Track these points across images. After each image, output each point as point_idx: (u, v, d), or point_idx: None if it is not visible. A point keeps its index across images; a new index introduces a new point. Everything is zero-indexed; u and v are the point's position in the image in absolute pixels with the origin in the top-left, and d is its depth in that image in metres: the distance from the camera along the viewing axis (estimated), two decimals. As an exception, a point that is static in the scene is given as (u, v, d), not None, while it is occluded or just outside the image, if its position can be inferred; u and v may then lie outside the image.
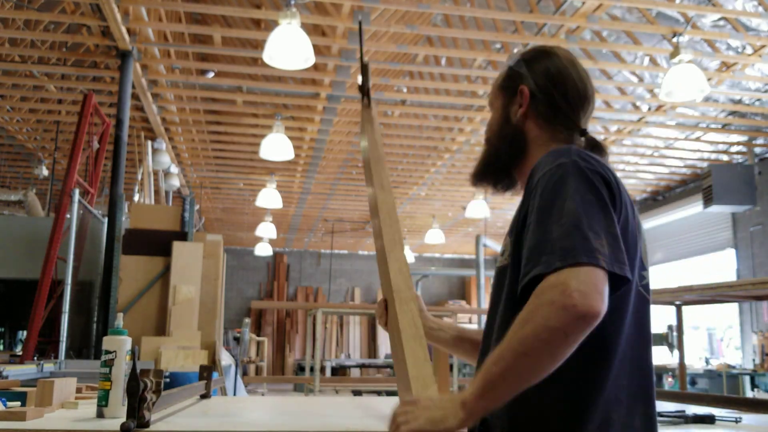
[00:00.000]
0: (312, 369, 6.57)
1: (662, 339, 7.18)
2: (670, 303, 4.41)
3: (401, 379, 1.19)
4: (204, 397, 2.05)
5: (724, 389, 7.29)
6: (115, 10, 5.18)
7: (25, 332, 6.17)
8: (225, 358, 6.44)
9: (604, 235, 1.03)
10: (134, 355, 1.57)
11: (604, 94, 7.19)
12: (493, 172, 1.41)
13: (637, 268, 1.17)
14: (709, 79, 6.28)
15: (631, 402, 1.13)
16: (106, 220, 5.68)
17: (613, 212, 1.09)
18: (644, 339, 1.19)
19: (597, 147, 1.31)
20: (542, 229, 1.07)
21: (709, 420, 2.01)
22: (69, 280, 4.96)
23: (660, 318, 10.09)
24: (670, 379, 8.11)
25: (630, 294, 1.14)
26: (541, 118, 1.33)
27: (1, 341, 7.84)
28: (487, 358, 1.02)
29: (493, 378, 0.99)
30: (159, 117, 7.52)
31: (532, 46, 1.41)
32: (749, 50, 6.09)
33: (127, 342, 1.66)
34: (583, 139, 1.33)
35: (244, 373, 10.19)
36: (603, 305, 0.97)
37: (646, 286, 1.21)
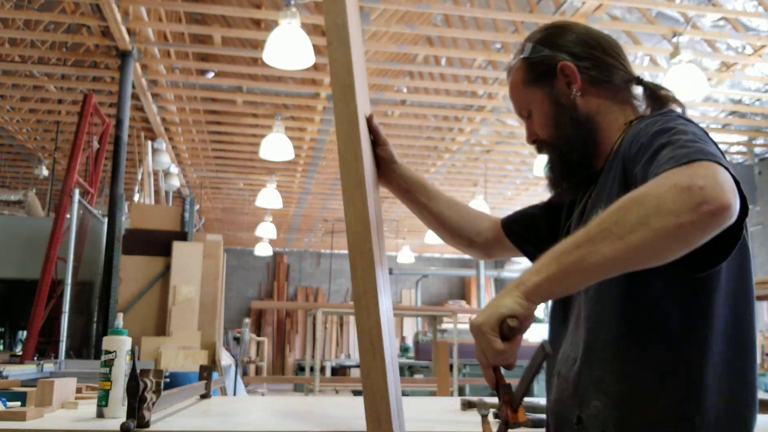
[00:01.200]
0: (312, 369, 6.57)
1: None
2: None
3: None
4: (204, 397, 2.05)
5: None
6: (115, 10, 5.18)
7: (25, 332, 6.17)
8: (225, 358, 6.44)
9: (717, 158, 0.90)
10: (134, 355, 1.57)
11: (604, 94, 7.19)
12: (579, 166, 1.21)
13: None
14: (709, 79, 6.28)
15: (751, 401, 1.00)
16: (106, 220, 5.68)
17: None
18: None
19: (656, 95, 1.22)
20: (667, 142, 0.94)
21: None
22: (69, 280, 4.96)
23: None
24: (670, 379, 8.12)
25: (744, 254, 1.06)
26: (595, 84, 1.21)
27: (1, 341, 7.84)
28: (565, 241, 0.90)
29: (565, 266, 0.88)
30: (159, 117, 7.52)
31: (538, 29, 1.30)
32: (749, 50, 6.09)
33: (127, 342, 1.66)
34: (641, 87, 1.25)
35: (244, 373, 10.19)
36: (737, 202, 0.83)
37: None
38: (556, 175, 1.25)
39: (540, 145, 1.27)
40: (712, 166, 0.84)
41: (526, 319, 0.91)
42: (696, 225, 0.81)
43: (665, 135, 0.95)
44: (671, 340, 0.97)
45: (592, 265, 0.86)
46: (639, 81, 1.24)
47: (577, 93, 1.20)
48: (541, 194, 10.76)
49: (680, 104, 1.19)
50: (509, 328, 0.91)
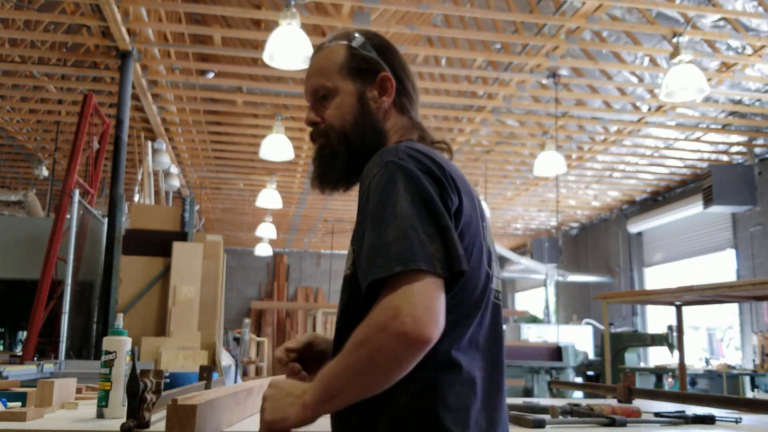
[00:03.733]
0: (312, 369, 6.57)
1: (662, 339, 7.18)
2: (670, 303, 4.41)
3: None
4: (204, 397, 2.05)
5: (724, 390, 7.28)
6: (115, 10, 5.18)
7: (25, 333, 6.17)
8: (225, 359, 6.44)
9: (438, 235, 1.02)
10: (134, 355, 1.57)
11: (604, 94, 7.19)
12: (353, 167, 1.25)
13: (485, 258, 1.14)
14: (709, 80, 6.28)
15: (485, 397, 1.11)
16: (106, 220, 5.67)
17: (443, 209, 1.05)
18: (496, 335, 1.17)
19: (424, 138, 1.27)
20: (377, 232, 1.03)
21: (709, 420, 2.01)
22: (69, 280, 4.95)
23: (660, 318, 10.11)
24: (670, 380, 8.11)
25: (476, 292, 1.11)
26: (398, 108, 1.29)
27: (1, 341, 7.84)
28: (326, 367, 1.04)
29: (332, 390, 1.02)
30: (159, 117, 7.52)
31: (366, 30, 1.32)
32: (749, 50, 6.09)
33: (127, 342, 1.66)
34: (420, 132, 1.30)
35: (244, 374, 10.18)
36: (436, 329, 0.97)
37: (490, 280, 1.16)
38: (329, 168, 1.29)
39: (321, 131, 1.28)
40: (411, 290, 0.97)
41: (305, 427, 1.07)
42: (408, 360, 0.98)
43: (380, 216, 1.04)
44: None
45: (350, 395, 1.02)
46: (421, 127, 1.31)
47: (384, 106, 1.26)
48: (541, 194, 10.76)
49: (450, 153, 1.30)
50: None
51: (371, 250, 1.03)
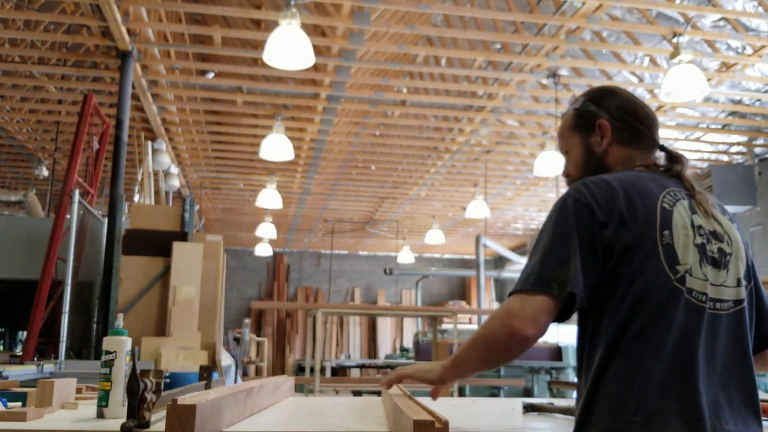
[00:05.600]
0: (312, 369, 6.57)
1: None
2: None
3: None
4: (204, 397, 2.04)
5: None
6: (115, 10, 5.18)
7: (25, 332, 6.17)
8: (225, 359, 6.44)
9: (564, 264, 1.27)
10: (134, 355, 1.57)
11: (604, 94, 7.18)
12: None
13: (666, 265, 1.29)
14: (709, 80, 6.28)
15: (665, 391, 1.23)
16: (106, 220, 5.67)
17: (579, 241, 1.28)
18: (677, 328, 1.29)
19: (673, 158, 1.49)
20: (528, 259, 1.35)
21: None
22: (69, 280, 4.96)
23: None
24: (670, 380, 8.11)
25: (613, 294, 1.30)
26: (622, 143, 1.49)
27: (1, 341, 7.84)
28: (459, 349, 1.40)
29: (459, 359, 1.39)
30: (159, 117, 7.52)
31: (592, 88, 1.59)
32: (749, 50, 6.09)
33: (127, 342, 1.66)
34: (663, 153, 1.51)
35: (244, 374, 10.19)
36: (536, 332, 1.25)
37: (682, 279, 1.29)
38: None
39: (571, 180, 1.57)
40: (526, 301, 1.27)
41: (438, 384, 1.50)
42: (510, 348, 1.29)
43: (535, 245, 1.37)
44: None
45: (473, 362, 1.37)
46: (661, 147, 1.52)
47: (606, 147, 1.49)
48: (541, 194, 10.76)
49: (683, 164, 1.48)
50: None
51: (521, 273, 1.34)
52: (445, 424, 1.11)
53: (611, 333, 1.26)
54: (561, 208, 1.33)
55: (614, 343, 1.26)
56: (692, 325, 1.25)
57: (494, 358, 1.32)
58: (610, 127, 1.49)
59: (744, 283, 1.35)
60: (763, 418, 2.01)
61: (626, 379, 1.23)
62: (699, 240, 1.33)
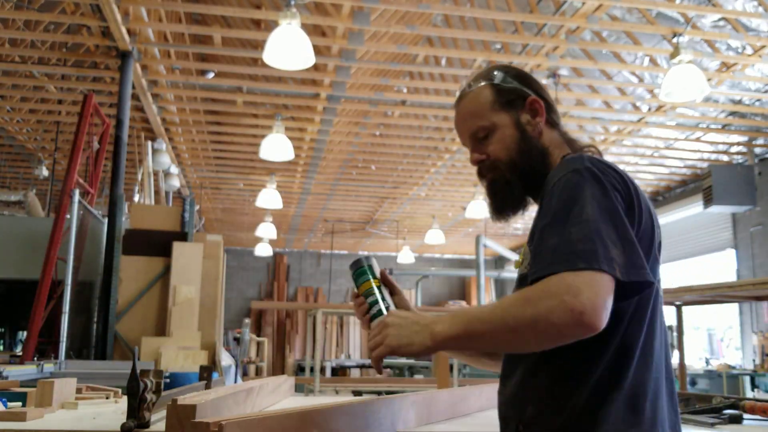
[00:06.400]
0: (312, 369, 6.57)
1: (662, 339, 7.17)
2: (670, 303, 4.41)
3: None
4: (204, 397, 2.04)
5: (724, 390, 7.29)
6: (115, 10, 5.18)
7: (25, 332, 6.17)
8: (225, 359, 6.44)
9: (621, 243, 1.07)
10: (134, 355, 1.57)
11: (604, 94, 7.19)
12: (526, 193, 1.35)
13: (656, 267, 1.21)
14: (709, 80, 6.28)
15: (653, 395, 1.16)
16: (106, 220, 5.67)
17: (626, 218, 1.12)
18: (662, 334, 1.24)
19: (574, 149, 1.37)
20: (561, 231, 1.09)
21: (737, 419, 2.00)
22: (69, 280, 4.96)
23: (660, 318, 10.08)
24: (670, 380, 8.11)
25: (651, 296, 1.18)
26: (550, 124, 1.37)
27: (1, 341, 7.84)
28: (472, 308, 1.12)
29: (473, 333, 1.08)
30: (159, 117, 7.52)
31: (496, 65, 1.44)
32: (749, 50, 6.09)
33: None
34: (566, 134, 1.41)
35: (244, 374, 10.19)
36: (605, 321, 1.02)
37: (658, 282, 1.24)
38: (506, 199, 1.36)
39: (490, 166, 1.36)
40: (594, 281, 1.03)
41: (424, 356, 1.17)
42: (568, 337, 1.03)
43: (565, 217, 1.11)
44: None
45: (488, 343, 1.11)
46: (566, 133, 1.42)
47: (539, 126, 1.34)
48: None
49: (596, 149, 1.35)
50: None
51: (555, 247, 1.08)
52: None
53: (642, 343, 1.16)
54: (595, 180, 1.14)
55: (645, 354, 1.16)
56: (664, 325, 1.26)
57: (530, 344, 1.08)
58: (543, 105, 1.36)
59: None
60: (762, 418, 2.00)
61: (658, 401, 1.15)
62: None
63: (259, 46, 6.12)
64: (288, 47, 4.68)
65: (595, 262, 1.03)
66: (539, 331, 1.02)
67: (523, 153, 1.32)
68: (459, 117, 1.42)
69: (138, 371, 1.37)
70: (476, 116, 1.37)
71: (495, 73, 1.38)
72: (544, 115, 1.35)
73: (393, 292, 1.41)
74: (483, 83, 1.38)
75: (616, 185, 1.15)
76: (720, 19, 5.97)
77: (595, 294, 1.01)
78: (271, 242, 13.84)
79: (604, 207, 1.10)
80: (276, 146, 7.01)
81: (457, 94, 1.46)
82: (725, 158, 8.90)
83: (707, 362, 8.90)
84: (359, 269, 1.38)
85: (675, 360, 6.56)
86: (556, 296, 1.01)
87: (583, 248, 1.04)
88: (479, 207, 9.34)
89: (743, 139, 8.20)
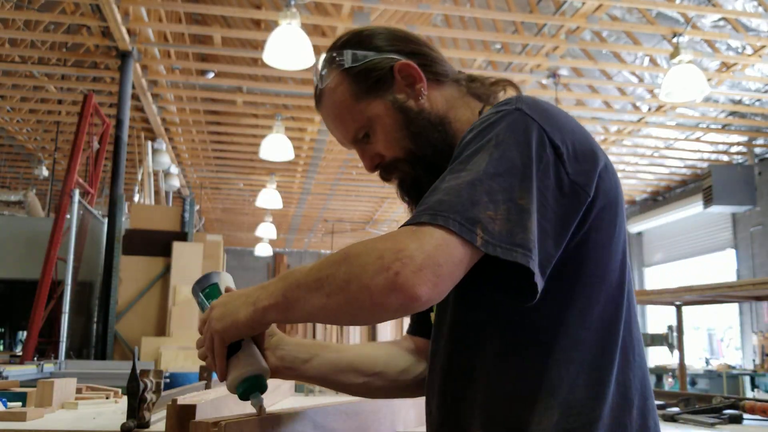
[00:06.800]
0: (312, 369, 6.57)
1: (662, 339, 7.18)
2: (670, 303, 4.41)
3: None
4: (204, 397, 2.05)
5: (724, 390, 7.29)
6: (115, 10, 5.18)
7: (25, 332, 6.17)
8: (225, 359, 6.44)
9: (506, 206, 0.80)
10: (134, 355, 1.57)
11: (604, 94, 7.19)
12: (439, 172, 0.92)
13: (623, 246, 0.95)
14: (709, 80, 6.28)
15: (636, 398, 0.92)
16: (106, 220, 5.68)
17: (544, 180, 0.84)
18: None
19: (488, 83, 1.09)
20: (441, 178, 0.86)
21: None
22: (69, 280, 4.96)
23: (660, 318, 10.10)
24: (670, 380, 8.12)
25: (622, 297, 0.93)
26: (437, 81, 1.06)
27: (1, 341, 7.84)
28: (296, 270, 0.89)
29: (290, 298, 0.86)
30: (159, 117, 7.52)
31: (336, 39, 1.10)
32: (749, 50, 6.09)
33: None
34: (472, 81, 1.09)
35: (244, 374, 10.18)
36: (431, 293, 0.77)
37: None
38: (423, 191, 0.93)
39: (389, 167, 1.07)
40: (430, 238, 0.78)
41: (252, 333, 0.95)
42: (384, 307, 0.78)
43: (455, 162, 0.87)
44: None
45: (303, 311, 0.86)
46: (468, 76, 1.10)
47: (424, 93, 1.04)
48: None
49: (516, 88, 1.07)
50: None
51: (421, 201, 0.84)
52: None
53: (603, 329, 0.90)
54: (514, 120, 0.87)
55: (611, 340, 0.90)
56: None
57: (344, 313, 0.82)
58: (416, 65, 1.03)
59: None
60: (762, 418, 2.01)
61: (631, 384, 0.91)
62: None
63: (259, 46, 6.12)
64: (288, 47, 4.68)
65: (442, 218, 0.78)
66: (351, 296, 0.79)
67: (417, 136, 1.03)
68: (327, 122, 1.11)
69: (138, 371, 1.37)
70: (344, 118, 1.06)
71: (343, 53, 1.05)
72: (422, 77, 1.03)
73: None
74: (334, 73, 1.05)
75: (547, 135, 0.86)
76: (720, 19, 5.97)
77: (423, 252, 0.76)
78: (271, 242, 13.85)
79: (502, 155, 0.83)
80: (276, 146, 7.01)
81: (313, 93, 1.15)
82: (725, 158, 8.90)
83: (707, 362, 8.90)
84: (210, 287, 1.06)
85: (675, 360, 6.56)
86: (375, 251, 0.78)
87: (438, 199, 0.81)
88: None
89: (743, 139, 8.20)
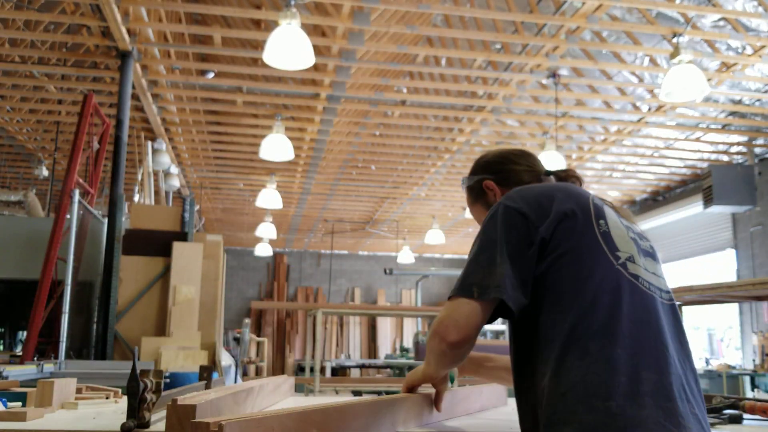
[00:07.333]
0: (312, 369, 6.57)
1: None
2: (670, 303, 4.41)
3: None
4: (204, 397, 2.04)
5: (724, 390, 7.29)
6: (115, 10, 5.18)
7: (25, 332, 6.17)
8: (225, 359, 6.44)
9: (487, 268, 1.29)
10: (134, 355, 1.57)
11: (604, 94, 7.19)
12: None
13: (608, 250, 1.31)
14: (709, 80, 6.28)
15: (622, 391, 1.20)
16: (106, 220, 5.68)
17: (506, 246, 1.29)
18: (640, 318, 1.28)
19: (560, 177, 1.61)
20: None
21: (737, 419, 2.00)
22: (69, 280, 4.96)
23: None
24: (670, 380, 8.11)
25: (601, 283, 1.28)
26: (510, 186, 1.54)
27: (1, 341, 7.84)
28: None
29: (426, 360, 1.47)
30: (159, 117, 7.52)
31: (477, 160, 1.74)
32: (749, 50, 6.09)
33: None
34: (552, 177, 1.61)
35: (244, 374, 10.18)
36: (459, 336, 1.28)
37: (624, 266, 1.30)
38: None
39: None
40: (451, 306, 1.31)
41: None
42: (444, 354, 1.33)
43: (475, 240, 1.38)
44: None
45: (441, 370, 1.48)
46: (548, 173, 1.63)
47: (499, 197, 1.54)
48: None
49: (578, 178, 1.60)
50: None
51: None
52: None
53: (567, 328, 1.22)
54: (491, 216, 1.36)
55: (572, 336, 1.22)
56: (647, 310, 1.26)
57: (442, 361, 1.37)
58: (493, 180, 1.61)
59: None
60: (762, 418, 2.00)
61: (591, 368, 1.18)
62: (632, 235, 1.37)
63: (259, 46, 6.12)
64: (288, 47, 4.68)
65: (457, 290, 1.30)
66: (433, 349, 1.34)
67: None
68: None
69: (138, 371, 1.37)
70: (472, 211, 1.70)
71: (464, 177, 1.71)
72: (495, 188, 1.61)
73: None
74: (463, 188, 1.72)
75: (519, 210, 1.33)
76: (720, 19, 5.97)
77: (447, 316, 1.29)
78: (271, 242, 13.85)
79: (486, 239, 1.33)
80: (276, 146, 7.01)
81: None
82: (725, 158, 8.90)
83: (707, 362, 8.90)
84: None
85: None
86: (433, 327, 1.32)
87: (457, 279, 1.33)
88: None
89: (743, 139, 8.20)
